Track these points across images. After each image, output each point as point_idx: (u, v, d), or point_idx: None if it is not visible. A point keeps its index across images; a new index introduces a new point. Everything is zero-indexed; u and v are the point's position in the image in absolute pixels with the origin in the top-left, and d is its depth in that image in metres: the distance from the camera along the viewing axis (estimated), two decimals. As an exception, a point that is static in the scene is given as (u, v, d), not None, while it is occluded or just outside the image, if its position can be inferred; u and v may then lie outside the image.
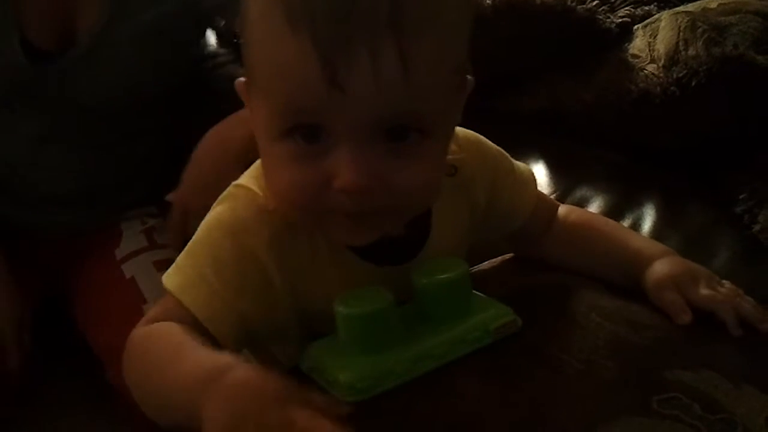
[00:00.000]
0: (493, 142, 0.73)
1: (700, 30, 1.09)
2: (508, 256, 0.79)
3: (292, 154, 0.56)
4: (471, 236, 0.71)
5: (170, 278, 0.63)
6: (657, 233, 1.01)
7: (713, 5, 1.17)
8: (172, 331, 0.58)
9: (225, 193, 0.65)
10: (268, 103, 0.57)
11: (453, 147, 0.67)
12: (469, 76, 0.62)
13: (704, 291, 0.66)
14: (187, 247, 0.64)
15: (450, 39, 0.56)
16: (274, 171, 0.59)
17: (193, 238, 0.64)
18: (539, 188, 0.78)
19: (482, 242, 0.75)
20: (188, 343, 0.56)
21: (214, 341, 0.58)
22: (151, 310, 0.63)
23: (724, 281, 0.69)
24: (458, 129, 0.67)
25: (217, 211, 0.64)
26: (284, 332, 0.65)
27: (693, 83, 1.05)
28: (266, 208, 0.61)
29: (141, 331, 0.60)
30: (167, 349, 0.57)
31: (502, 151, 0.75)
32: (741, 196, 1.00)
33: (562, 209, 0.79)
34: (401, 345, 0.60)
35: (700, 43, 1.07)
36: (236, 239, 0.61)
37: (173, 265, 0.64)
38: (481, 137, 0.73)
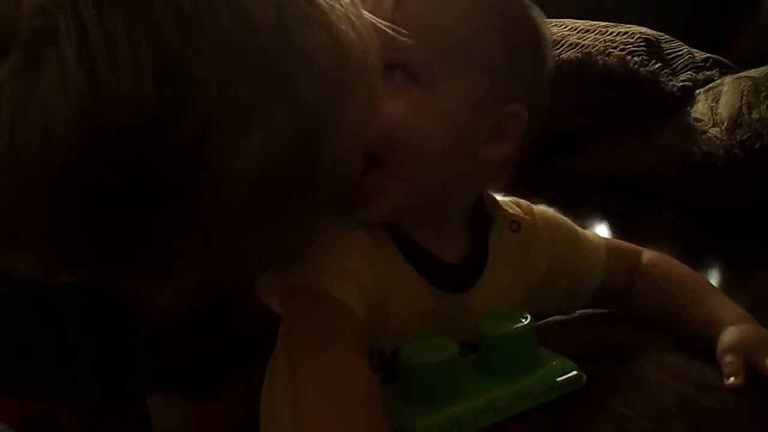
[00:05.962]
0: (553, 200, 0.73)
1: (763, 94, 1.10)
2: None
3: None
4: (532, 298, 0.71)
5: (327, 283, 0.59)
6: (721, 296, 0.99)
7: (776, 70, 1.17)
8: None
9: None
10: None
11: (520, 210, 0.70)
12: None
13: None
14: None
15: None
16: None
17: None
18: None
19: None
20: None
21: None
22: (308, 323, 0.59)
23: None
24: (536, 207, 0.72)
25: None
26: None
27: (757, 146, 1.05)
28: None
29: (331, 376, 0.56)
30: None
31: (569, 222, 0.76)
32: (808, 262, 0.98)
33: (647, 256, 0.77)
34: (466, 396, 0.60)
35: (764, 106, 1.08)
36: (351, 231, 0.62)
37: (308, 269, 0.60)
38: (555, 213, 0.75)
